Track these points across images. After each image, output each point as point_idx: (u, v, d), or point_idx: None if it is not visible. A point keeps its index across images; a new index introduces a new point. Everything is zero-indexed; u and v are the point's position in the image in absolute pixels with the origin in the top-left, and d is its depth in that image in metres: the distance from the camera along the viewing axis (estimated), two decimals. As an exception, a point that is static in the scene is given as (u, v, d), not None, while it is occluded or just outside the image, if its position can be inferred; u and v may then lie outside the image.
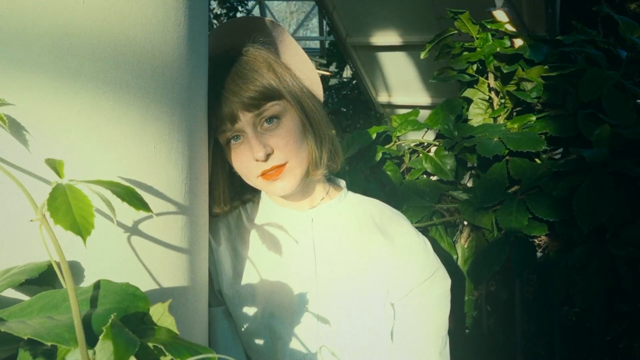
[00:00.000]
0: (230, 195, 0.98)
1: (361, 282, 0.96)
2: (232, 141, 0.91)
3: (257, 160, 0.89)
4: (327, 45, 8.63)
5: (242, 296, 0.96)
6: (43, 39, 0.58)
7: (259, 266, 0.97)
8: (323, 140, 0.95)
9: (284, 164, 0.90)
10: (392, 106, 4.99)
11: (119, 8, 0.62)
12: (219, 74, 0.88)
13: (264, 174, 0.90)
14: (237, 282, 0.97)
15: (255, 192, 1.03)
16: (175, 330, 0.51)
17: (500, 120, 1.75)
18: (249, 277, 0.97)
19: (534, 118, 1.61)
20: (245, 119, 0.88)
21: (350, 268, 0.97)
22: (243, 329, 0.96)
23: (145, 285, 0.66)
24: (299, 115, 0.92)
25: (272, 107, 0.89)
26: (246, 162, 0.91)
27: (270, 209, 1.00)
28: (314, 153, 0.94)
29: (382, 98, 5.03)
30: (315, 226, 0.98)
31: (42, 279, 0.55)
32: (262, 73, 0.89)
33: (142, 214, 0.63)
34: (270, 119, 0.90)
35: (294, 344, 0.94)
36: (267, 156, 0.88)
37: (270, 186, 0.92)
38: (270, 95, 0.89)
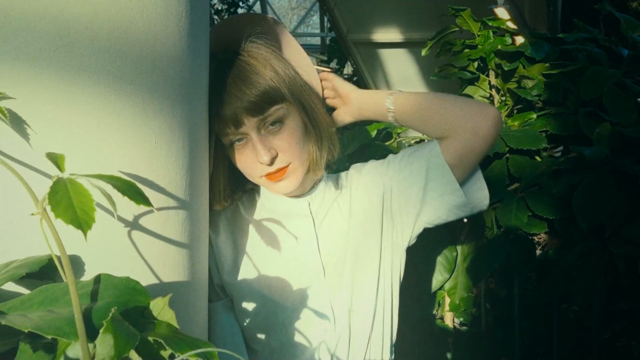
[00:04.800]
0: (231, 189, 0.99)
1: (363, 254, 0.98)
2: (236, 143, 0.92)
3: (261, 163, 0.90)
4: (328, 42, 8.60)
5: (245, 287, 0.97)
6: (44, 32, 0.58)
7: (263, 254, 0.98)
8: (323, 139, 0.97)
9: (287, 165, 0.92)
10: (392, 103, 4.97)
11: (121, 2, 0.62)
12: (220, 73, 0.88)
13: (267, 175, 0.92)
14: (240, 274, 0.98)
15: (254, 185, 1.04)
16: (176, 325, 0.51)
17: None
18: (251, 267, 0.98)
19: (534, 116, 1.61)
20: (249, 124, 0.89)
21: (351, 245, 0.98)
22: (246, 322, 0.96)
23: (145, 279, 0.66)
24: (301, 116, 0.94)
25: (275, 112, 0.90)
26: (250, 163, 0.92)
27: (267, 199, 1.02)
28: (315, 154, 0.96)
29: (383, 95, 5.02)
30: (312, 208, 1.00)
31: (43, 273, 0.55)
32: (264, 75, 0.89)
33: (143, 208, 0.63)
34: (273, 122, 0.90)
35: (298, 336, 0.95)
36: (272, 159, 0.89)
37: (273, 186, 0.94)
38: (274, 99, 0.89)
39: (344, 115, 1.03)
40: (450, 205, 0.95)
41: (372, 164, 1.04)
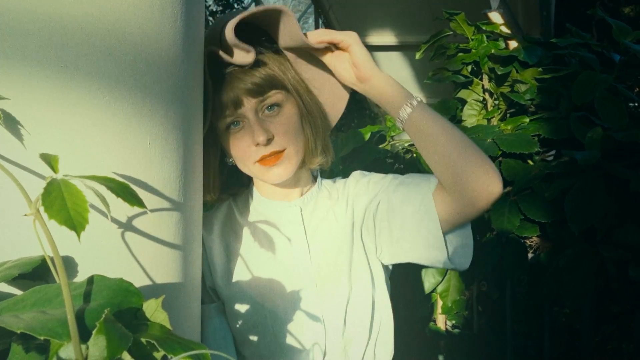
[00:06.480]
0: (220, 183, 0.99)
1: (357, 265, 0.97)
2: (232, 127, 0.92)
3: (257, 145, 0.90)
4: (322, 44, 8.61)
5: (236, 292, 0.97)
6: (38, 33, 0.58)
7: (255, 259, 0.97)
8: (318, 131, 0.97)
9: (283, 150, 0.92)
10: (386, 106, 4.98)
11: (116, 2, 0.62)
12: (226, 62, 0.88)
13: (262, 160, 0.91)
14: (232, 278, 0.98)
15: (241, 187, 1.04)
16: (169, 326, 0.51)
17: (494, 121, 1.77)
18: (244, 271, 0.97)
19: (527, 120, 1.62)
20: (248, 105, 0.90)
21: (346, 255, 0.97)
22: (238, 324, 0.96)
23: (138, 280, 0.65)
24: (298, 105, 0.94)
25: (275, 95, 0.91)
26: (245, 147, 0.92)
27: (259, 203, 1.01)
28: (311, 142, 0.96)
29: (377, 98, 5.02)
30: (304, 214, 1.00)
31: (36, 274, 0.55)
32: (268, 63, 0.90)
33: (137, 209, 0.63)
34: (271, 107, 0.92)
35: (292, 335, 0.94)
36: (268, 141, 0.90)
37: (266, 173, 0.93)
38: (274, 83, 0.90)
39: (352, 84, 0.94)
40: (433, 259, 0.94)
41: (373, 178, 1.01)
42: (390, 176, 0.99)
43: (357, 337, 0.96)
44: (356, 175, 1.04)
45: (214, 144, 0.95)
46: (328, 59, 0.93)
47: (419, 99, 0.90)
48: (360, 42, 0.90)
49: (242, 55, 0.86)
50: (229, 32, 0.83)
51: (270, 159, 0.91)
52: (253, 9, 0.86)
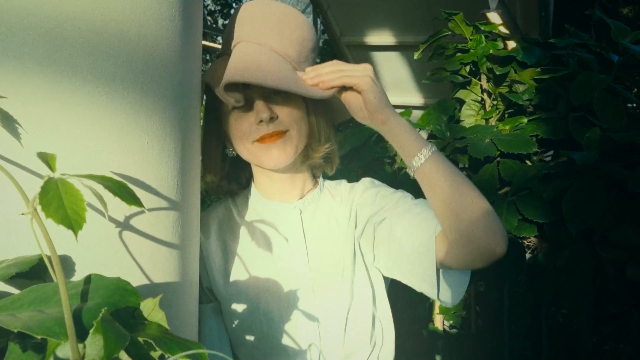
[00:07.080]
0: (221, 166, 0.99)
1: (358, 272, 0.97)
2: (236, 109, 0.92)
3: (259, 123, 0.90)
4: (321, 44, 8.62)
5: (233, 294, 0.96)
6: (36, 31, 0.58)
7: (252, 261, 0.97)
8: (322, 122, 0.98)
9: (285, 132, 0.91)
10: (385, 106, 4.98)
11: (114, 2, 0.62)
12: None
13: (262, 138, 0.91)
14: (228, 280, 0.97)
15: (241, 185, 1.04)
16: (166, 326, 0.51)
17: (492, 121, 1.77)
18: (241, 272, 0.97)
19: (525, 120, 1.62)
20: (255, 86, 0.90)
21: (348, 261, 0.97)
22: (234, 325, 0.96)
23: (136, 280, 0.65)
24: (304, 100, 0.94)
25: None
26: (247, 125, 0.91)
27: (259, 203, 1.01)
28: (315, 131, 0.96)
29: (375, 98, 5.02)
30: (304, 217, 0.99)
31: (33, 273, 0.55)
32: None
33: (134, 209, 0.63)
34: (278, 91, 0.91)
35: (286, 340, 0.94)
36: (271, 119, 0.90)
37: (265, 153, 0.92)
38: None
39: (365, 122, 0.91)
40: (423, 290, 0.93)
41: (382, 191, 0.99)
42: (399, 194, 0.98)
43: (359, 348, 0.95)
44: (366, 182, 1.02)
45: (216, 129, 0.96)
46: (341, 94, 0.90)
47: (434, 149, 0.87)
48: (374, 86, 0.86)
49: (233, 101, 0.87)
50: (223, 86, 0.85)
51: (270, 138, 0.91)
52: (254, 75, 0.85)
